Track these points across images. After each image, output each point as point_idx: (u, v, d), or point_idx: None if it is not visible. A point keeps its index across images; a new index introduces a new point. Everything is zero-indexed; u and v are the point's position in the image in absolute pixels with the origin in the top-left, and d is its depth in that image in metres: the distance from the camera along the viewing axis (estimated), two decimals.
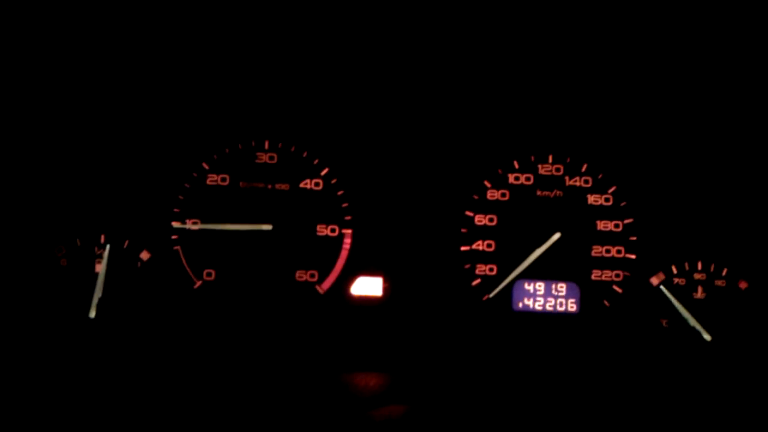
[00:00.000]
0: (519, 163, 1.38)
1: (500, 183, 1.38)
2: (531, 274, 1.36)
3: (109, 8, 1.21)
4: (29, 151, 1.35)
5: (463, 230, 1.38)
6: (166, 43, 1.30)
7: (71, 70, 1.32)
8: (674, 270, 1.35)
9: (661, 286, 1.34)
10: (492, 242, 1.37)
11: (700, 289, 1.34)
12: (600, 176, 1.37)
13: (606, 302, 1.36)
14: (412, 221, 1.37)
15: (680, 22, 1.20)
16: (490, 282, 1.36)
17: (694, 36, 1.22)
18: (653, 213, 1.36)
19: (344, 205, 1.37)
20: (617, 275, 1.36)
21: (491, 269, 1.37)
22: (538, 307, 1.36)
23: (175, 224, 1.36)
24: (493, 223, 1.37)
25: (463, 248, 1.37)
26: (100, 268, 1.33)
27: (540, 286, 1.36)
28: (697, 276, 1.35)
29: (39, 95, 1.33)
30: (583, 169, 1.37)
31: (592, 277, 1.36)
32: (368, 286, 1.37)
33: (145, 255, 1.36)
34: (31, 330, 1.32)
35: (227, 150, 1.38)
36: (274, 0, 1.21)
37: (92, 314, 1.32)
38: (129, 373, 1.19)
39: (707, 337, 1.31)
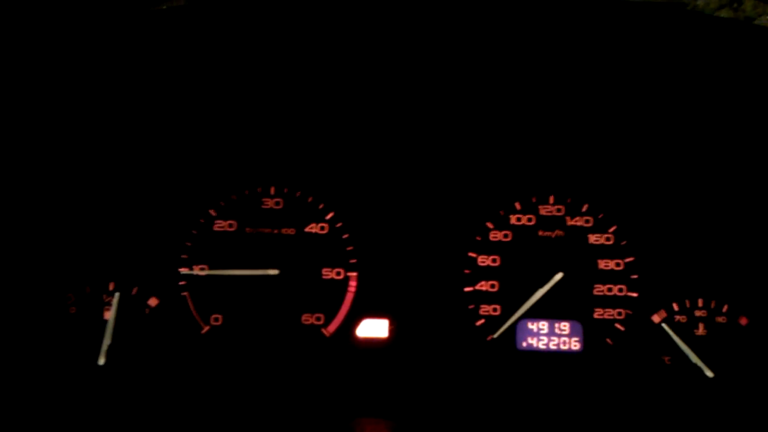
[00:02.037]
0: (521, 205, 1.40)
1: (502, 224, 1.40)
2: (534, 314, 1.37)
3: (120, 57, 1.23)
4: (39, 199, 1.36)
5: (466, 271, 1.39)
6: (173, 92, 1.32)
7: (81, 118, 1.34)
8: (675, 307, 1.37)
9: (663, 324, 1.35)
10: (495, 282, 1.39)
11: (701, 326, 1.36)
12: (600, 216, 1.39)
13: (609, 340, 1.37)
14: (416, 263, 1.39)
15: (676, 65, 1.22)
16: (494, 322, 1.38)
17: (690, 78, 1.24)
18: (654, 251, 1.38)
19: (349, 248, 1.39)
20: (619, 313, 1.38)
21: (495, 309, 1.39)
22: (542, 346, 1.38)
23: (183, 270, 1.38)
24: (496, 264, 1.39)
25: (466, 289, 1.39)
26: (109, 315, 1.35)
27: (543, 325, 1.38)
28: (698, 313, 1.36)
29: (49, 143, 1.35)
30: (584, 210, 1.39)
31: (595, 316, 1.38)
32: (374, 328, 1.39)
33: (153, 301, 1.38)
34: (41, 378, 1.33)
35: (234, 196, 1.40)
36: (277, 49, 1.23)
37: (101, 361, 1.33)
38: (139, 420, 1.20)
39: (709, 373, 1.32)
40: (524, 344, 1.38)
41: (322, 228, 1.40)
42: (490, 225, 1.40)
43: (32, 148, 1.34)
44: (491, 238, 1.40)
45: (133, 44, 1.19)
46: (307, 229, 1.39)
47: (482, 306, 1.39)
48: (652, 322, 1.37)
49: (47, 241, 1.37)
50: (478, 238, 1.40)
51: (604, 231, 1.39)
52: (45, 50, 1.18)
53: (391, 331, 1.38)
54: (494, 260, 1.40)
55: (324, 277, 1.39)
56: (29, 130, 1.32)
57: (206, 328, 1.38)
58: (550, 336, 1.37)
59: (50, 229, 1.37)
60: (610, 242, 1.39)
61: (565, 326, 1.38)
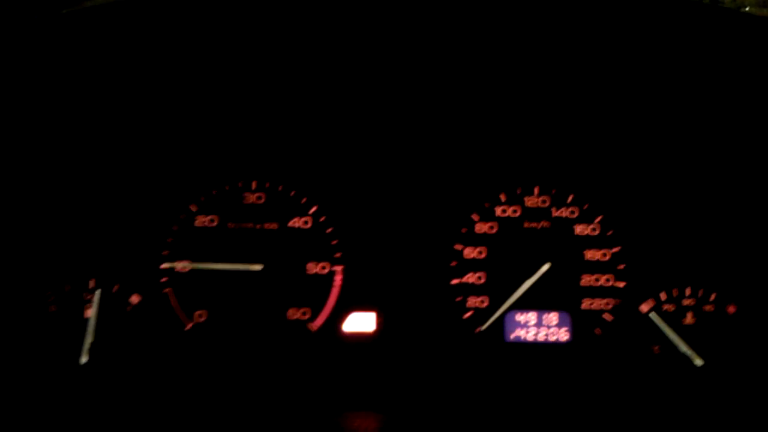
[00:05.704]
0: (506, 196, 1.39)
1: (488, 216, 1.39)
2: (522, 305, 1.36)
3: (101, 50, 1.21)
4: (16, 196, 1.34)
5: (453, 263, 1.38)
6: (153, 87, 1.30)
7: (59, 115, 1.32)
8: (663, 297, 1.36)
9: (651, 313, 1.35)
10: (482, 274, 1.38)
11: (689, 314, 1.35)
12: (586, 206, 1.38)
13: (597, 330, 1.36)
14: (402, 256, 1.38)
15: (659, 54, 1.22)
16: (481, 314, 1.37)
17: (673, 66, 1.24)
18: (640, 241, 1.37)
19: (334, 242, 1.38)
20: (607, 303, 1.37)
21: (482, 301, 1.37)
22: (530, 337, 1.36)
23: (165, 267, 1.36)
24: (483, 256, 1.38)
25: (453, 281, 1.38)
26: (91, 313, 1.33)
27: (532, 316, 1.37)
28: (686, 302, 1.36)
29: (26, 140, 1.33)
30: (570, 200, 1.38)
31: (583, 306, 1.37)
32: (361, 322, 1.37)
33: (135, 298, 1.36)
34: (22, 378, 1.31)
35: (215, 191, 1.38)
36: (259, 43, 1.22)
37: (83, 360, 1.31)
38: (123, 419, 1.18)
39: (699, 362, 1.32)
40: (512, 336, 1.37)
41: (306, 222, 1.38)
42: (475, 217, 1.39)
43: (9, 145, 1.32)
44: (477, 230, 1.39)
45: (115, 36, 1.18)
46: (290, 224, 1.38)
47: (470, 298, 1.38)
48: (640, 311, 1.36)
49: (25, 238, 1.35)
50: (464, 230, 1.39)
51: (590, 221, 1.38)
52: (23, 48, 1.17)
53: (378, 324, 1.37)
54: (480, 252, 1.38)
55: (309, 271, 1.37)
56: (7, 128, 1.30)
57: (190, 325, 1.36)
58: (539, 327, 1.36)
59: (28, 226, 1.35)
60: (596, 232, 1.38)
61: (553, 317, 1.36)
